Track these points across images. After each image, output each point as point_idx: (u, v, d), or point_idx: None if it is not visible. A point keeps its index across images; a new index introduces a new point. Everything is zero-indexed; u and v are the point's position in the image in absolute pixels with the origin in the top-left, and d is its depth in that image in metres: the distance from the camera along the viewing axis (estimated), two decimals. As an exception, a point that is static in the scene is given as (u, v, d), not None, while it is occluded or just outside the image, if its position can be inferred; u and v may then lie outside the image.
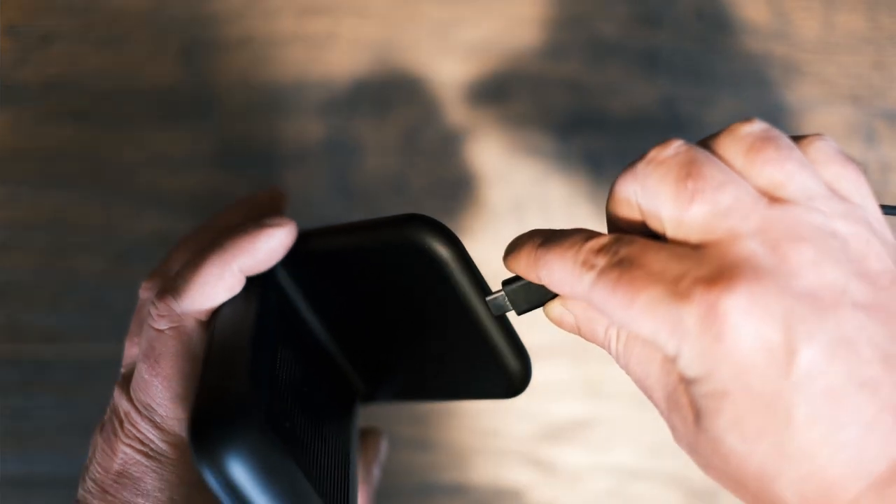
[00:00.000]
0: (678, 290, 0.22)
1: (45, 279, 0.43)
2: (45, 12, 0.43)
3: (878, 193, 0.28)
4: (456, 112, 0.43)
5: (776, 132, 0.24)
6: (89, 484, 0.29)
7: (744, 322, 0.21)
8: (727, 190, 0.23)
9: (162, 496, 0.28)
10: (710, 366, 0.22)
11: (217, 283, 0.29)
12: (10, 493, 0.43)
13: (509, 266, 0.28)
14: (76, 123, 0.43)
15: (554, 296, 0.27)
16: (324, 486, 0.27)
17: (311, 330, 0.33)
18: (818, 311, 0.22)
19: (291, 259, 0.31)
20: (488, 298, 0.29)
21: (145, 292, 0.32)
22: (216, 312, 0.29)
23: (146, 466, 0.29)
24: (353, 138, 0.43)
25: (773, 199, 0.23)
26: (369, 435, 0.37)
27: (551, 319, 0.28)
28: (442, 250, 0.28)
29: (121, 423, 0.29)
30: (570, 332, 0.27)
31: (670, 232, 0.24)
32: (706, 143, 0.25)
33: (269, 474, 0.23)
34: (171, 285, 0.29)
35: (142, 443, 0.29)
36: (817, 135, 0.25)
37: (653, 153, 0.24)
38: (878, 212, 0.24)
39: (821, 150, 0.24)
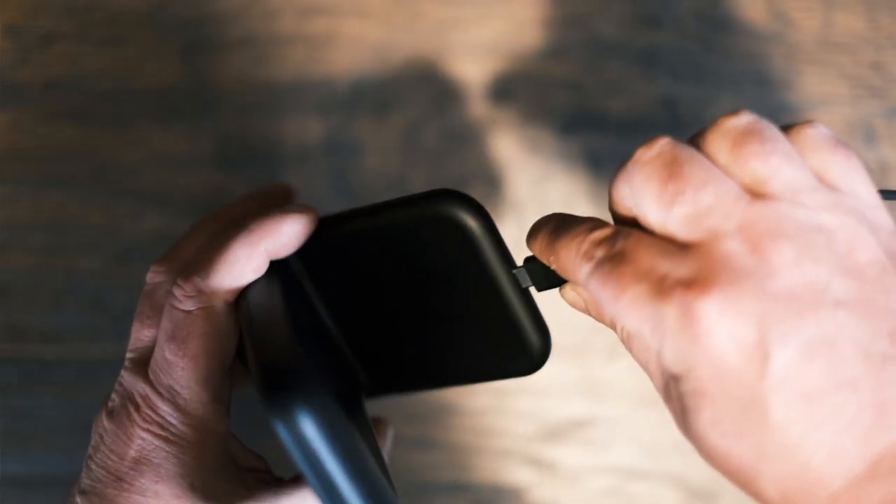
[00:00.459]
0: (661, 289, 0.22)
1: (45, 279, 0.43)
2: (46, 12, 0.43)
3: (878, 193, 0.28)
4: (456, 112, 0.43)
5: (762, 124, 0.24)
6: (98, 473, 0.29)
7: (718, 325, 0.22)
8: (708, 189, 0.23)
9: (183, 482, 0.28)
10: (689, 365, 0.22)
11: (245, 263, 0.29)
12: (10, 493, 0.43)
13: (529, 247, 0.28)
14: (76, 123, 0.43)
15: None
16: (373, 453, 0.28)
17: (321, 319, 0.33)
18: (796, 312, 0.21)
19: (304, 247, 0.31)
20: (513, 270, 0.29)
21: (156, 276, 0.32)
22: (244, 293, 0.29)
23: (166, 451, 0.28)
24: (353, 138, 0.43)
25: (757, 195, 0.23)
26: (377, 424, 0.37)
27: (566, 301, 0.28)
28: (473, 222, 0.29)
29: (137, 407, 0.29)
30: (582, 313, 0.28)
31: (658, 231, 0.24)
32: (694, 139, 0.25)
33: (334, 432, 0.24)
34: (197, 266, 0.29)
35: (162, 427, 0.28)
36: (807, 122, 0.24)
37: (638, 153, 0.24)
38: (872, 197, 0.24)
39: (809, 136, 0.24)
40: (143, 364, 0.30)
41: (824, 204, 0.23)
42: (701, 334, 0.22)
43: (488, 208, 0.43)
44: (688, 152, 0.24)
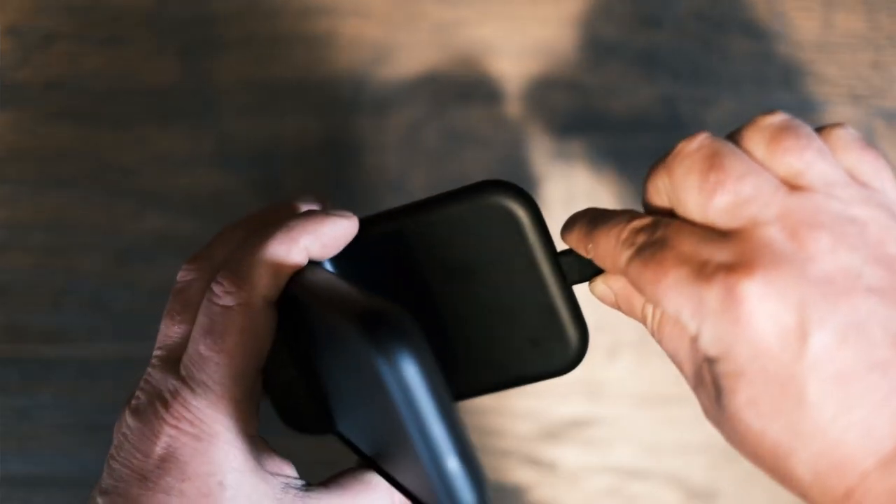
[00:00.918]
0: (703, 272, 0.23)
1: (45, 279, 0.43)
2: (46, 12, 0.43)
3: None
4: (455, 112, 0.43)
5: (797, 122, 0.25)
6: (121, 472, 0.28)
7: (760, 306, 0.23)
8: (748, 180, 0.24)
9: (210, 480, 0.27)
10: (728, 346, 0.23)
11: (286, 258, 0.28)
12: (11, 493, 0.43)
13: (564, 239, 0.29)
14: (76, 123, 0.43)
15: (598, 272, 0.29)
16: None
17: None
18: (832, 297, 0.23)
19: (340, 253, 0.30)
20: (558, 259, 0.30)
21: (187, 273, 0.31)
22: (291, 284, 0.29)
23: (194, 448, 0.27)
24: (353, 138, 0.43)
25: (794, 187, 0.24)
26: None
27: (595, 294, 0.29)
28: (521, 211, 0.30)
29: (165, 403, 0.28)
30: (611, 307, 0.29)
31: (698, 221, 0.25)
32: (732, 135, 0.26)
33: (430, 374, 0.24)
34: (237, 262, 0.29)
35: (192, 423, 0.28)
36: (838, 124, 0.26)
37: (680, 146, 0.25)
38: None
39: (841, 137, 0.25)
40: (172, 361, 0.29)
41: (856, 198, 0.24)
42: (742, 316, 0.23)
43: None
44: (727, 146, 0.25)
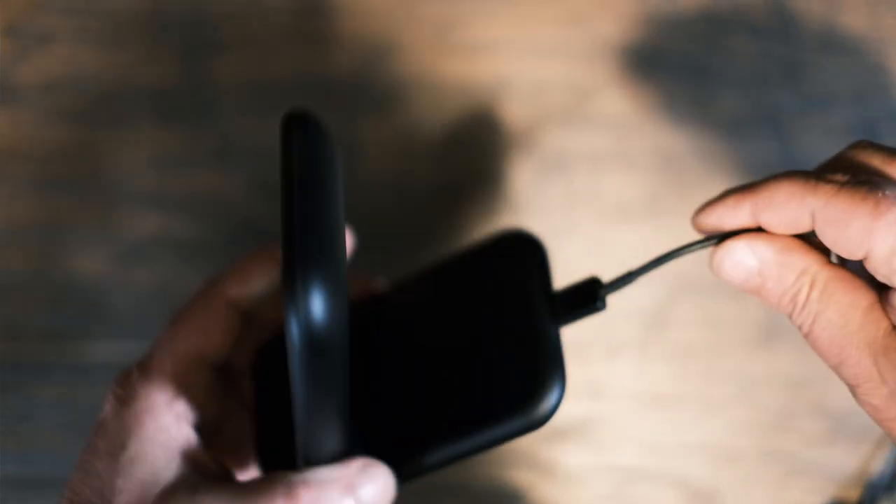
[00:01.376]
0: None
1: (45, 279, 0.43)
2: (45, 12, 0.43)
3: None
4: (456, 112, 0.43)
5: None
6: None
7: None
8: None
9: (116, 439, 0.29)
10: None
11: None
12: (11, 493, 0.43)
13: (706, 215, 0.27)
14: (76, 123, 0.43)
15: (586, 312, 0.28)
16: None
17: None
18: None
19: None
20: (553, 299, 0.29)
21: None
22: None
23: (116, 410, 0.30)
24: (353, 138, 0.43)
25: None
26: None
27: (725, 265, 0.26)
28: (531, 260, 0.28)
29: (116, 378, 0.31)
30: (740, 281, 0.26)
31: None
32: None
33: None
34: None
35: (123, 389, 0.30)
36: None
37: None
38: None
39: None
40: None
41: None
42: None
43: (488, 208, 0.43)
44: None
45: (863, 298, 0.24)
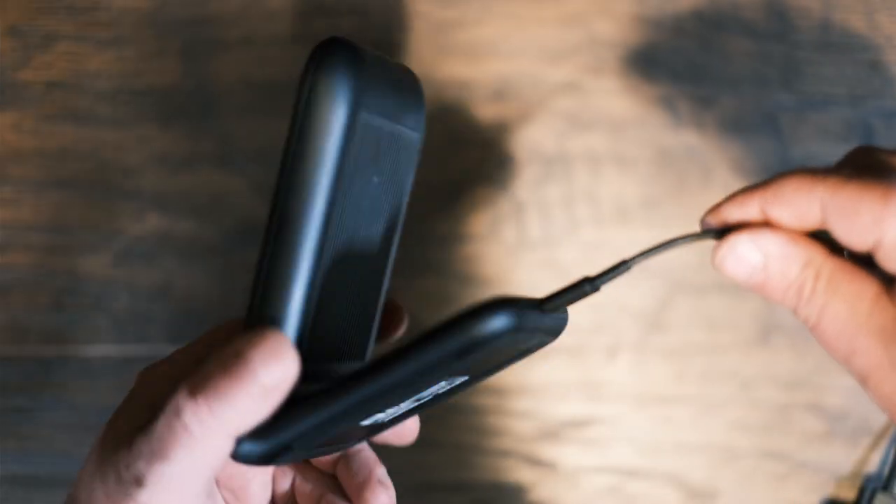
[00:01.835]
0: None
1: (45, 279, 0.43)
2: (47, 13, 0.43)
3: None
4: (456, 112, 0.43)
5: None
6: None
7: None
8: None
9: None
10: None
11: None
12: (11, 493, 0.43)
13: (715, 216, 0.26)
14: (77, 123, 0.43)
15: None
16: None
17: None
18: None
19: None
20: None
21: None
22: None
23: None
24: (354, 138, 0.43)
25: None
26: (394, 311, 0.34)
27: (727, 261, 0.26)
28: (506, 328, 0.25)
29: None
30: (743, 277, 0.26)
31: None
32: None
33: None
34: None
35: None
36: None
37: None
38: None
39: None
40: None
41: None
42: None
43: (488, 208, 0.43)
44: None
45: (868, 288, 0.24)
